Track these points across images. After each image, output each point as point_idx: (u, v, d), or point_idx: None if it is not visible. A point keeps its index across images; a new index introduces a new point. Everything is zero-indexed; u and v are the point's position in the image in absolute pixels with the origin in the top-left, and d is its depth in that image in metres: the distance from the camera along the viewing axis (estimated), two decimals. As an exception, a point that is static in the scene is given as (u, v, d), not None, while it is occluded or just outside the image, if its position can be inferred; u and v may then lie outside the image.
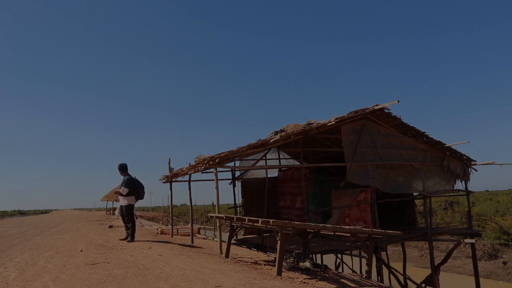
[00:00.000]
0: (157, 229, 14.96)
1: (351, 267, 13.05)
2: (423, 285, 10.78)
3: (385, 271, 10.76)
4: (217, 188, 8.09)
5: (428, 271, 11.16)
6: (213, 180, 8.18)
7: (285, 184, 13.79)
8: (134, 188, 8.65)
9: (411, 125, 9.87)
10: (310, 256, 8.12)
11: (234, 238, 11.41)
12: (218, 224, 8.79)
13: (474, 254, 11.35)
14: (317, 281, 5.34)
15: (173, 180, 12.04)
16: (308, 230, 6.67)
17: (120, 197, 8.67)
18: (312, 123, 9.42)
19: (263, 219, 5.59)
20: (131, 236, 8.70)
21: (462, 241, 11.08)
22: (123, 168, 8.70)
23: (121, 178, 8.81)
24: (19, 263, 5.77)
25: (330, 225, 6.64)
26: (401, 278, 10.80)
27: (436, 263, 10.69)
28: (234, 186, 13.31)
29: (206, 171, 9.83)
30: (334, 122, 8.70)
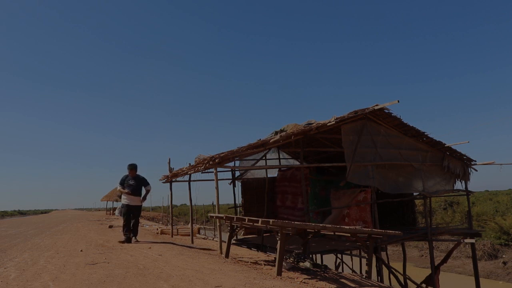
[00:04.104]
0: (157, 229, 14.97)
1: (351, 267, 13.05)
2: (423, 285, 10.77)
3: (385, 271, 10.76)
4: (217, 188, 8.09)
5: (428, 271, 11.16)
6: (213, 180, 8.18)
7: (285, 184, 13.80)
8: None
9: (411, 125, 9.87)
10: (310, 256, 8.12)
11: (234, 238, 11.41)
12: (218, 224, 8.79)
13: (474, 254, 11.34)
14: (317, 281, 5.34)
15: (173, 180, 12.05)
16: (308, 230, 6.67)
17: (134, 197, 8.66)
18: (312, 123, 9.42)
19: (263, 219, 5.59)
20: (135, 236, 8.75)
21: (462, 241, 11.08)
22: (136, 168, 8.84)
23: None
24: (19, 263, 5.77)
25: (330, 225, 6.64)
26: (401, 278, 10.79)
27: (436, 263, 10.69)
28: (234, 186, 13.31)
29: (206, 171, 9.83)
30: (334, 122, 8.70)
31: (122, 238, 8.70)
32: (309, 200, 11.07)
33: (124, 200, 8.73)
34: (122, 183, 8.77)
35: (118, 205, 8.95)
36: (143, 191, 8.90)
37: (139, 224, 10.13)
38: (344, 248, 9.47)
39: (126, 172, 8.89)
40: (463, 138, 21.32)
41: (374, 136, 9.60)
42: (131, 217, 8.73)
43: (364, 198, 9.94)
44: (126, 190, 8.65)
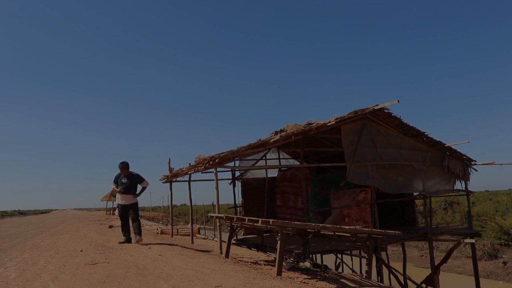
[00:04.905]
0: (157, 229, 14.97)
1: (351, 267, 13.05)
2: (423, 285, 10.77)
3: (385, 271, 10.76)
4: (217, 188, 8.09)
5: (428, 271, 11.16)
6: (213, 180, 8.18)
7: (285, 184, 13.80)
8: None
9: (411, 125, 9.87)
10: (310, 256, 8.12)
11: (234, 238, 11.41)
12: (218, 224, 8.79)
13: (474, 254, 11.34)
14: (317, 281, 5.34)
15: (173, 180, 12.04)
16: (308, 230, 6.68)
17: (127, 196, 8.36)
18: (312, 123, 9.41)
19: (263, 219, 5.59)
20: (139, 234, 8.37)
21: (462, 241, 11.08)
22: (128, 166, 8.44)
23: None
24: (19, 263, 5.76)
25: (330, 225, 6.64)
26: (401, 278, 10.79)
27: (436, 263, 10.69)
28: (234, 186, 13.31)
29: (206, 171, 9.83)
30: (334, 122, 8.70)
31: (122, 238, 8.53)
32: (309, 200, 11.07)
33: (119, 199, 8.49)
34: (116, 181, 8.43)
35: (117, 205, 8.86)
36: (139, 189, 8.54)
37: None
38: (344, 248, 9.47)
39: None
40: (463, 138, 21.32)
41: (374, 136, 9.60)
42: (129, 216, 8.49)
43: (364, 198, 9.94)
44: (119, 189, 8.33)
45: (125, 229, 8.55)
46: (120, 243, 8.38)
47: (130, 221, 8.64)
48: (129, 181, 8.38)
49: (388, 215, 13.04)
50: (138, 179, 8.50)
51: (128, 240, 8.44)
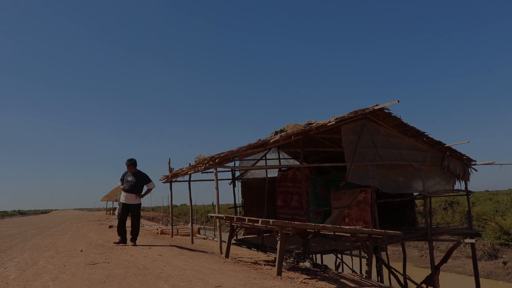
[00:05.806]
0: (157, 229, 14.96)
1: (351, 267, 13.05)
2: (423, 285, 10.77)
3: (385, 271, 10.76)
4: (217, 188, 8.09)
5: (428, 271, 11.16)
6: (213, 180, 8.18)
7: (285, 184, 13.80)
8: None
9: (411, 125, 9.88)
10: (310, 256, 8.12)
11: (234, 238, 11.41)
12: (218, 224, 8.79)
13: (474, 254, 11.34)
14: (317, 281, 5.34)
15: (173, 180, 12.05)
16: (308, 230, 6.68)
17: (131, 195, 8.09)
18: (312, 123, 9.41)
19: (263, 219, 5.59)
20: (134, 239, 8.14)
21: (462, 241, 11.08)
22: (135, 163, 8.17)
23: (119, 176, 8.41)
24: (19, 263, 5.76)
25: (330, 225, 6.64)
26: (401, 278, 10.80)
27: (436, 263, 10.68)
28: (234, 186, 13.31)
29: (206, 171, 9.83)
30: (334, 122, 8.70)
31: (117, 239, 8.22)
32: (309, 200, 11.07)
33: (122, 198, 8.21)
34: (122, 179, 8.20)
35: (117, 205, 8.75)
36: (145, 189, 8.29)
37: (140, 224, 9.68)
38: (344, 248, 9.47)
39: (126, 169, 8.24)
40: (463, 138, 21.29)
41: (374, 136, 9.60)
42: (129, 217, 8.24)
43: (364, 198, 9.94)
44: (123, 187, 8.11)
45: (120, 231, 8.22)
46: (114, 243, 8.13)
47: (131, 222, 8.30)
48: (135, 180, 8.10)
49: (388, 215, 13.03)
50: (145, 179, 8.23)
51: (123, 240, 8.13)
